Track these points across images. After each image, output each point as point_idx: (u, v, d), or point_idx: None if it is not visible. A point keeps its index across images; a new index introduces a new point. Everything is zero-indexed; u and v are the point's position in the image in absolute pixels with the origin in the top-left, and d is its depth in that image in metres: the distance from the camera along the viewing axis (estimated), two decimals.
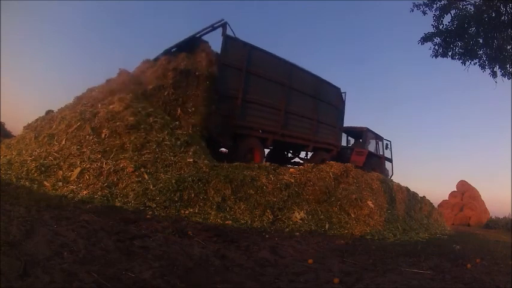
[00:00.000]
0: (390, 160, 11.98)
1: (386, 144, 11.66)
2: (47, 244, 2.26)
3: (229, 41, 6.46)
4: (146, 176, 4.95)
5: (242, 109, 6.73)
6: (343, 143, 11.00)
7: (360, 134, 10.76)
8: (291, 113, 7.79)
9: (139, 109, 5.97)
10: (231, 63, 6.53)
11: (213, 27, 6.57)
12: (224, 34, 6.37)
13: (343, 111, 9.67)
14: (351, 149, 10.96)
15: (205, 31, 6.77)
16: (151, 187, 4.74)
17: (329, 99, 8.96)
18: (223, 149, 7.72)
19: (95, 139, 5.60)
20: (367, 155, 10.40)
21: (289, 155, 9.98)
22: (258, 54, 7.00)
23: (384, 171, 11.14)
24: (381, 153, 11.51)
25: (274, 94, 7.36)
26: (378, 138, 11.34)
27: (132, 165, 5.02)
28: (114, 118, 5.89)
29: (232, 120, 6.59)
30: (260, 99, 7.08)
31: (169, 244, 2.92)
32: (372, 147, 11.05)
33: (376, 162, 10.91)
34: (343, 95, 9.53)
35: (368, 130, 10.73)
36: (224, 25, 6.35)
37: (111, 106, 6.05)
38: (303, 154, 9.76)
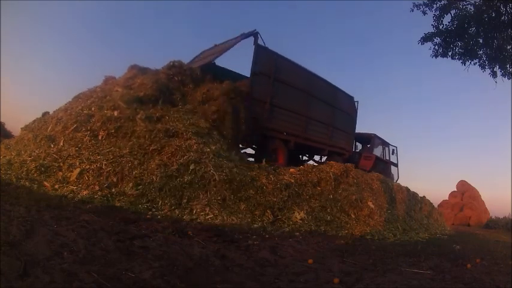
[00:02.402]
0: (396, 165, 12.55)
1: (393, 150, 12.27)
2: (47, 244, 2.26)
3: (260, 50, 7.01)
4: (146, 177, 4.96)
5: (270, 113, 7.29)
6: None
7: (368, 139, 11.29)
8: (311, 118, 8.41)
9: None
10: (261, 71, 7.06)
11: (244, 36, 7.15)
12: (256, 43, 6.92)
13: (355, 118, 10.29)
14: (359, 154, 11.32)
15: (236, 40, 7.40)
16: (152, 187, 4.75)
17: (343, 107, 9.66)
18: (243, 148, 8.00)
19: (93, 141, 5.65)
20: (374, 160, 10.88)
21: (304, 158, 10.27)
22: (284, 63, 7.59)
23: (390, 175, 11.64)
24: (388, 158, 12.07)
25: (297, 100, 7.95)
26: (385, 144, 11.91)
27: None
28: (110, 120, 6.01)
29: (261, 122, 7.12)
30: (285, 104, 7.63)
31: (169, 244, 2.92)
32: (379, 152, 11.59)
33: (383, 167, 11.34)
34: (355, 103, 10.18)
35: (376, 136, 11.33)
36: (256, 35, 6.91)
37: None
38: (316, 157, 10.17)
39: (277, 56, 7.39)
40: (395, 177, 12.40)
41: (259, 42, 6.99)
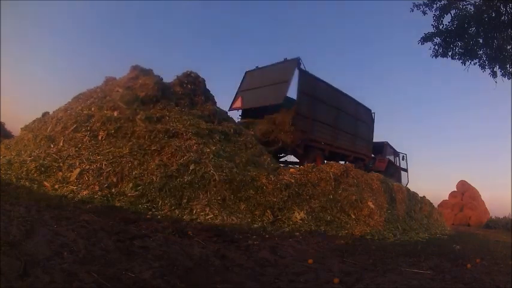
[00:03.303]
0: (406, 170, 13.93)
1: (403, 157, 13.76)
2: (47, 244, 2.26)
3: (302, 74, 8.37)
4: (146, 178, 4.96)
5: (312, 126, 8.66)
6: None
7: (381, 147, 12.74)
8: (340, 130, 9.88)
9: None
10: (304, 91, 8.40)
11: (288, 61, 8.50)
12: (299, 68, 8.27)
13: (372, 127, 11.81)
14: (374, 158, 12.64)
15: (280, 63, 8.74)
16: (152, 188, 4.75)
17: (364, 118, 11.25)
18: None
19: (93, 141, 5.65)
20: (387, 162, 12.55)
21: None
22: (320, 84, 9.07)
23: (400, 179, 12.90)
24: (398, 164, 13.56)
25: (330, 115, 9.43)
26: (395, 151, 13.49)
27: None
28: (110, 121, 6.04)
29: (306, 134, 8.43)
30: (322, 118, 9.05)
31: (169, 244, 2.92)
32: (390, 157, 13.09)
33: (394, 171, 12.77)
34: (372, 114, 11.76)
35: (387, 144, 12.90)
36: (299, 61, 8.25)
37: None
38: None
39: (314, 78, 8.81)
40: (406, 181, 13.56)
41: (301, 66, 8.34)
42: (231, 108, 9.21)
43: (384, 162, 12.35)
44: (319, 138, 8.96)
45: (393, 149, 13.20)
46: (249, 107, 9.13)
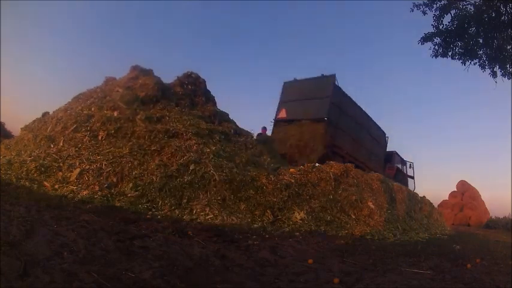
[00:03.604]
0: (412, 177, 14.93)
1: (410, 165, 14.81)
2: (47, 244, 2.26)
3: (335, 88, 9.52)
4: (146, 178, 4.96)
5: (337, 134, 9.54)
6: None
7: (390, 156, 13.76)
8: (360, 143, 10.87)
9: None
10: (335, 103, 9.35)
11: (324, 77, 9.57)
12: (333, 83, 9.37)
13: (385, 149, 13.14)
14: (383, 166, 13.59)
15: (318, 78, 9.69)
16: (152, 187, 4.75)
17: (379, 139, 12.62)
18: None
19: (93, 141, 5.65)
20: (396, 170, 13.54)
21: None
22: (347, 99, 10.24)
23: (407, 186, 13.56)
24: (405, 171, 14.64)
25: (353, 128, 10.47)
26: (403, 159, 14.59)
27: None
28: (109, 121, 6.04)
29: (333, 140, 9.32)
30: (346, 129, 10.02)
31: (169, 244, 2.91)
32: (398, 165, 14.19)
33: (401, 178, 13.47)
34: (386, 138, 13.20)
35: (396, 153, 13.97)
36: (334, 77, 9.43)
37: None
38: None
39: (343, 93, 9.97)
40: (412, 188, 14.11)
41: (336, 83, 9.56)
42: (276, 118, 9.97)
43: (393, 170, 13.33)
44: (343, 146, 9.92)
45: (401, 157, 14.34)
46: (294, 118, 9.81)
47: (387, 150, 13.65)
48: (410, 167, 14.75)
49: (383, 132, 13.02)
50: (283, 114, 9.78)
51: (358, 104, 11.02)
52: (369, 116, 11.58)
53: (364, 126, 11.27)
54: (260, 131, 9.37)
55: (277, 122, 9.88)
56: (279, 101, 10.12)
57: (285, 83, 10.38)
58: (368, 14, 52.28)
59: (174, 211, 4.50)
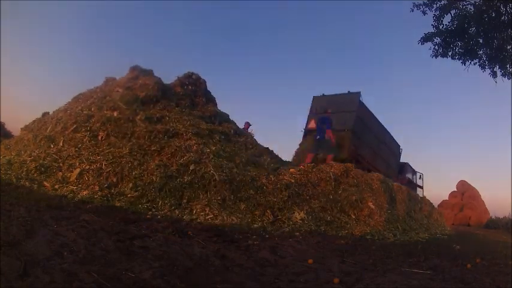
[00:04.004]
0: (421, 187, 15.88)
1: (420, 176, 15.88)
2: (47, 244, 2.26)
3: (360, 104, 10.40)
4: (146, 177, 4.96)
5: (361, 145, 10.39)
6: None
7: (403, 166, 14.72)
8: (378, 154, 11.80)
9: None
10: (360, 117, 10.29)
11: (350, 93, 10.40)
12: (359, 100, 10.24)
13: (399, 160, 14.14)
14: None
15: (345, 94, 10.48)
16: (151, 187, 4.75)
17: (394, 151, 13.63)
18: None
19: (92, 141, 5.65)
20: (407, 180, 14.31)
21: None
22: (369, 114, 11.18)
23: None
24: (415, 181, 15.67)
25: (373, 140, 11.42)
26: (414, 170, 15.66)
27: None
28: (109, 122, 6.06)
29: (357, 150, 10.03)
30: (368, 141, 10.93)
31: (169, 244, 2.91)
32: (409, 175, 15.29)
33: (412, 188, 13.93)
34: (400, 150, 14.14)
35: (408, 164, 15.04)
36: (359, 94, 10.31)
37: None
38: None
39: (367, 109, 10.94)
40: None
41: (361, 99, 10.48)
42: (306, 128, 10.64)
43: (404, 180, 14.11)
44: (364, 156, 10.72)
45: (412, 168, 15.45)
46: None
47: (401, 161, 14.84)
48: (420, 178, 15.95)
49: (397, 144, 14.15)
50: (312, 125, 10.36)
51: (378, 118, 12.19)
52: (386, 129, 12.71)
53: (382, 138, 12.29)
54: (243, 126, 9.72)
55: (307, 132, 10.57)
56: (308, 113, 11.05)
57: (314, 97, 11.24)
58: (368, 14, 52.34)
59: (174, 211, 4.50)
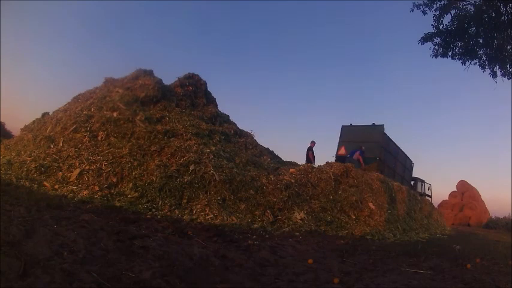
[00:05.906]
0: (430, 196, 17.16)
1: (428, 187, 17.25)
2: (47, 244, 2.26)
3: (385, 136, 12.36)
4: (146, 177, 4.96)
5: (384, 168, 11.96)
6: None
7: (414, 180, 16.40)
8: (396, 171, 13.59)
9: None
10: (384, 147, 12.30)
11: (374, 125, 12.32)
12: (382, 132, 12.18)
13: (411, 173, 16.08)
14: None
15: (370, 126, 12.39)
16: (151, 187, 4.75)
17: (408, 167, 15.58)
18: None
19: (92, 141, 5.65)
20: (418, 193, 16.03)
21: None
22: (391, 143, 13.23)
23: None
24: (424, 192, 16.94)
25: (392, 161, 13.34)
26: (423, 182, 17.21)
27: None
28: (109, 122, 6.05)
29: (382, 173, 10.90)
30: (389, 163, 12.88)
31: (169, 244, 2.91)
32: (419, 188, 16.62)
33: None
34: (413, 164, 16.28)
35: (418, 178, 16.70)
36: (382, 126, 12.35)
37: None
38: None
39: (389, 138, 12.96)
40: None
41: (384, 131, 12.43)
42: (337, 154, 12.22)
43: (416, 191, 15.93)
44: (384, 173, 12.08)
45: (422, 180, 17.24)
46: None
47: (413, 176, 17.00)
48: (428, 189, 17.38)
49: (410, 160, 16.37)
50: (342, 151, 12.28)
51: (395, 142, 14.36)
52: (401, 150, 14.80)
53: (400, 159, 14.54)
54: (309, 145, 11.30)
55: (338, 157, 12.09)
56: (338, 140, 12.89)
57: (343, 126, 13.14)
58: (368, 14, 52.33)
59: (174, 211, 4.49)
